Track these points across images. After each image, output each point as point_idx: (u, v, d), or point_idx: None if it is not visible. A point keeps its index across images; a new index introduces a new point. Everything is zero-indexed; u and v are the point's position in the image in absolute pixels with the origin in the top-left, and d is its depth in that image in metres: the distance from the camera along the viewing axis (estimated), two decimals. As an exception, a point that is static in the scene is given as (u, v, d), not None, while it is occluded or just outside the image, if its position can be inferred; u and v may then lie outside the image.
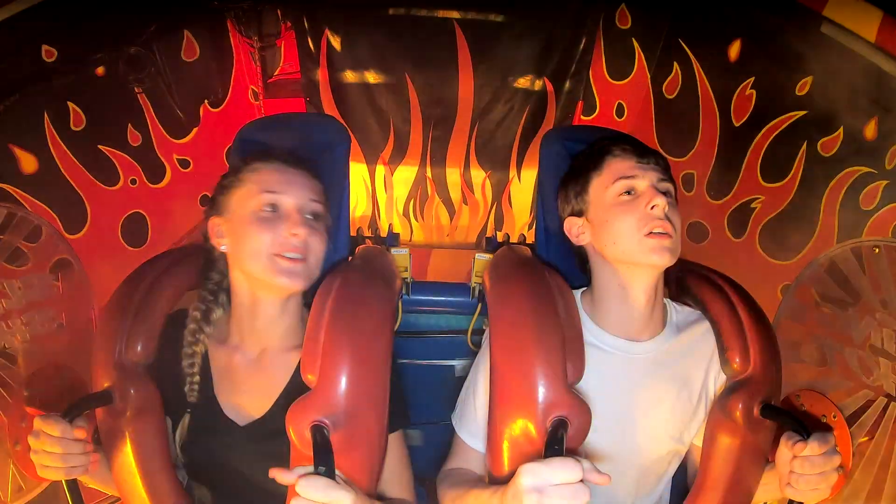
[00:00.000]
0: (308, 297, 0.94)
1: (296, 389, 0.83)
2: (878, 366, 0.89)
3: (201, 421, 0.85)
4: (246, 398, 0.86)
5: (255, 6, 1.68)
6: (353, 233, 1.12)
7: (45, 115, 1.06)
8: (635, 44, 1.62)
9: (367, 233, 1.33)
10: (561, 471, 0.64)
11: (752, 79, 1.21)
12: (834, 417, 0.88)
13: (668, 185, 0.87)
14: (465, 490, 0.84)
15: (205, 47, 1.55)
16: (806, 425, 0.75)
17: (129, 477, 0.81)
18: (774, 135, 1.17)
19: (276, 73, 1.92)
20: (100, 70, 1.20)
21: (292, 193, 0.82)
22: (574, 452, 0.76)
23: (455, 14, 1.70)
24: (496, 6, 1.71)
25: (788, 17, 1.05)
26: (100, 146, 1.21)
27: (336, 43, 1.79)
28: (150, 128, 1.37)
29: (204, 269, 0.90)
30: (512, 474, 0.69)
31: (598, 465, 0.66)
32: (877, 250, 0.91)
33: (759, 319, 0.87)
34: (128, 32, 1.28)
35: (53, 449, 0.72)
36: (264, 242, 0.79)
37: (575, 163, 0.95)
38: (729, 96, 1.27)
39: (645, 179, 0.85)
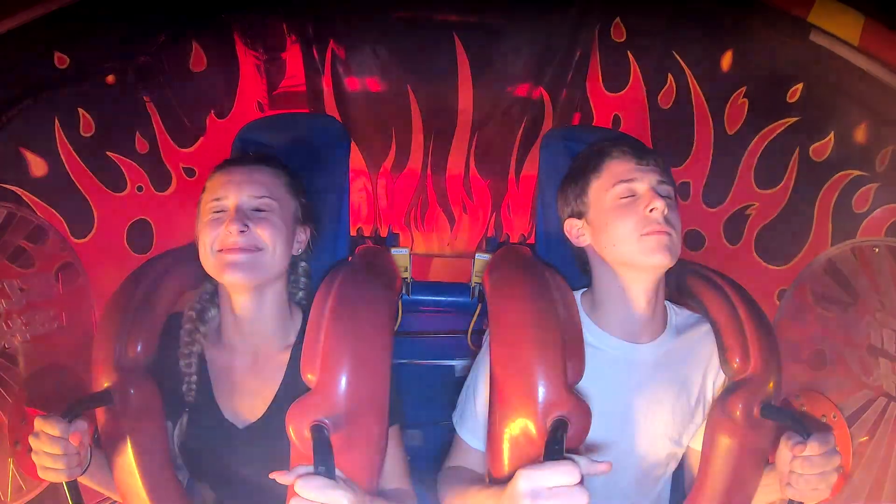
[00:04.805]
0: (307, 298, 0.95)
1: (290, 389, 0.84)
2: (878, 366, 0.89)
3: (201, 423, 0.85)
4: (244, 400, 0.86)
5: (262, 19, 1.72)
6: (353, 233, 1.13)
7: (56, 120, 1.08)
8: (630, 57, 1.65)
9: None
10: (558, 474, 0.64)
11: (745, 87, 1.23)
12: (834, 417, 0.87)
13: (667, 187, 0.86)
14: (465, 489, 0.83)
15: (212, 59, 1.57)
16: (806, 425, 0.75)
17: (129, 477, 0.81)
18: (767, 142, 1.19)
19: (280, 86, 1.95)
20: (110, 78, 1.22)
21: (232, 193, 0.85)
22: (574, 453, 0.76)
23: (454, 19, 1.74)
24: (494, 16, 1.75)
25: (777, 27, 1.08)
26: (108, 153, 1.23)
27: (341, 54, 1.82)
28: (157, 136, 1.40)
29: (203, 270, 0.91)
30: (512, 474, 0.69)
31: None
32: (876, 250, 0.91)
33: (759, 319, 0.87)
34: (138, 42, 1.30)
35: (54, 449, 0.72)
36: (211, 242, 0.82)
37: (575, 164, 0.95)
38: (722, 105, 1.29)
39: (644, 182, 0.85)
